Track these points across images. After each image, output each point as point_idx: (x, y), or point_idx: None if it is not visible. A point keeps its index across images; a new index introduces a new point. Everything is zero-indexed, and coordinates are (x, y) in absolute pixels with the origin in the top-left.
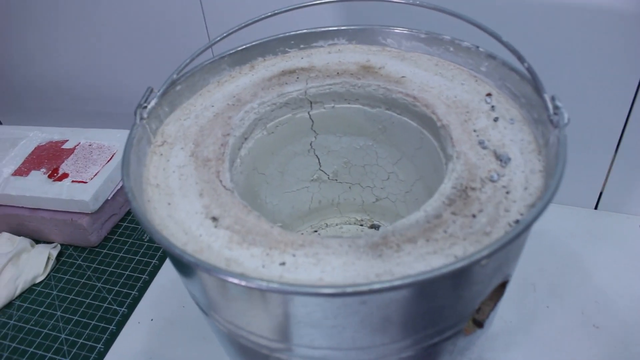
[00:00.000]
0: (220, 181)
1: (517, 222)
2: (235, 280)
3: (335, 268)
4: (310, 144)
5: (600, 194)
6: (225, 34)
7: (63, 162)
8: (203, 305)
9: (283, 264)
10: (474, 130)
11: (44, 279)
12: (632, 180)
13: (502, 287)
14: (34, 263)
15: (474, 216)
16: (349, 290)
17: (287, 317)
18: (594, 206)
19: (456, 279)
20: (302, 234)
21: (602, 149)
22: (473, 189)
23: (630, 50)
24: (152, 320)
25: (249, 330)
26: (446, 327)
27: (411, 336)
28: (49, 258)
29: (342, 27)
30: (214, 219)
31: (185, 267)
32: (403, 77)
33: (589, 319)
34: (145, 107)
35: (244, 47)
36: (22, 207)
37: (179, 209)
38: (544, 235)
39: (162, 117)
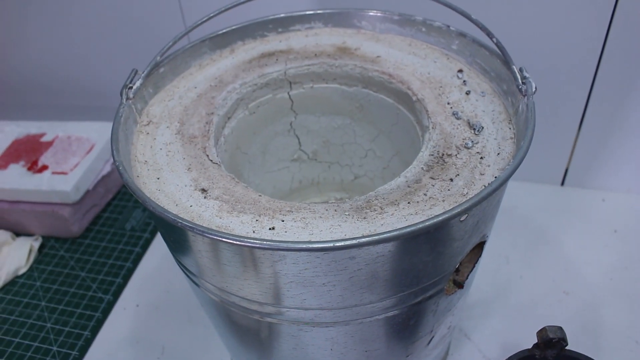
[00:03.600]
0: (207, 156)
1: (492, 182)
2: (230, 240)
3: (322, 231)
4: (291, 124)
5: (566, 170)
6: (205, 18)
7: (42, 154)
8: (194, 274)
9: (272, 228)
10: (448, 103)
11: (27, 271)
12: (595, 157)
13: (480, 247)
14: (15, 256)
15: (451, 180)
16: (339, 244)
17: (279, 277)
18: (560, 182)
19: (438, 234)
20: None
21: (566, 128)
22: (449, 155)
23: (590, 26)
24: (137, 306)
25: (241, 295)
26: (429, 285)
27: (396, 294)
28: (30, 250)
29: (319, 11)
30: (203, 190)
31: (177, 235)
32: (378, 56)
33: (560, 286)
34: (131, 87)
35: (224, 31)
36: (2, 201)
37: (168, 183)
38: (515, 211)
39: (146, 98)
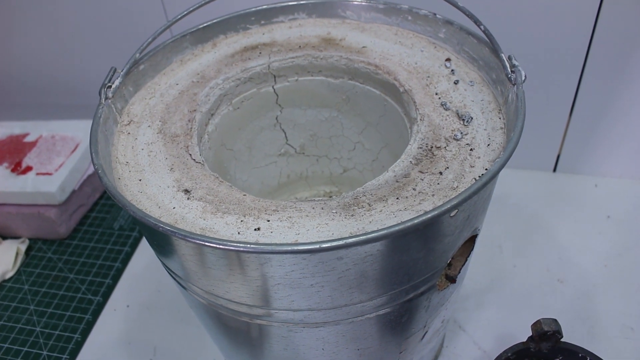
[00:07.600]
0: (190, 155)
1: (482, 176)
2: (213, 244)
3: (309, 230)
4: (276, 118)
5: (558, 156)
6: (185, 12)
7: (26, 155)
8: (181, 278)
9: (258, 229)
10: (436, 94)
11: (14, 275)
12: (587, 142)
13: (472, 241)
14: (1, 259)
15: (440, 173)
16: (325, 245)
17: (266, 279)
18: (552, 169)
19: (428, 231)
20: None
21: (557, 113)
22: (438, 147)
23: (579, 12)
24: (128, 306)
25: (228, 298)
26: (420, 282)
27: (387, 292)
28: (17, 253)
29: (302, 2)
30: (186, 191)
31: (161, 239)
32: (364, 47)
33: (554, 275)
34: (110, 86)
35: (205, 24)
36: None
37: (150, 185)
38: (507, 199)
39: (127, 97)
